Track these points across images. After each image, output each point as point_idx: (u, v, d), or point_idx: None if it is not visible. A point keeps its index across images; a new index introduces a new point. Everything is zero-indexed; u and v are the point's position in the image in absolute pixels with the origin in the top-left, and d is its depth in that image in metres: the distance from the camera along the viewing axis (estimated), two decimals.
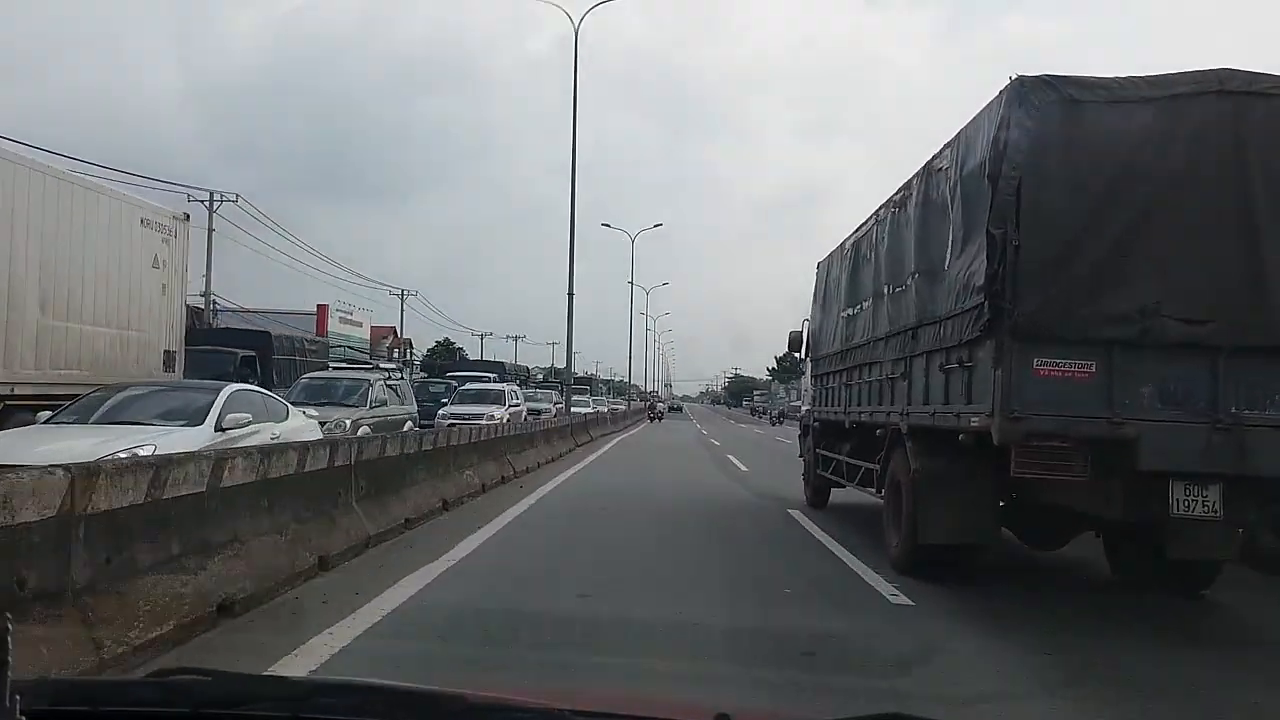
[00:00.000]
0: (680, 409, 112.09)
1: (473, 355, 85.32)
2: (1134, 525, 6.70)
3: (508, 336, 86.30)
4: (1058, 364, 5.92)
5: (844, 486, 11.38)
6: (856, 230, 10.71)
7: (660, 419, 63.94)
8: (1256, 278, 5.89)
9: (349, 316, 60.40)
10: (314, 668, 4.54)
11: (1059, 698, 4.79)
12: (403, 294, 65.51)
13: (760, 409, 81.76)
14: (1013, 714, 4.64)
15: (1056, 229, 5.97)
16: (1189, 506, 6.05)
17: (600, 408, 32.70)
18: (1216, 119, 6.01)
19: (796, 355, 15.21)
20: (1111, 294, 5.90)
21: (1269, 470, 6.12)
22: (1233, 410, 5.89)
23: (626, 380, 68.57)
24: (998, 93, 6.22)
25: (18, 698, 1.24)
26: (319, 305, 56.63)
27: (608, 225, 58.89)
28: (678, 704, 2.22)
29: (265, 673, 3.90)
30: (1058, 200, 5.99)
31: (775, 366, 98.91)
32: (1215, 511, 6.04)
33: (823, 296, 12.76)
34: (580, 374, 79.79)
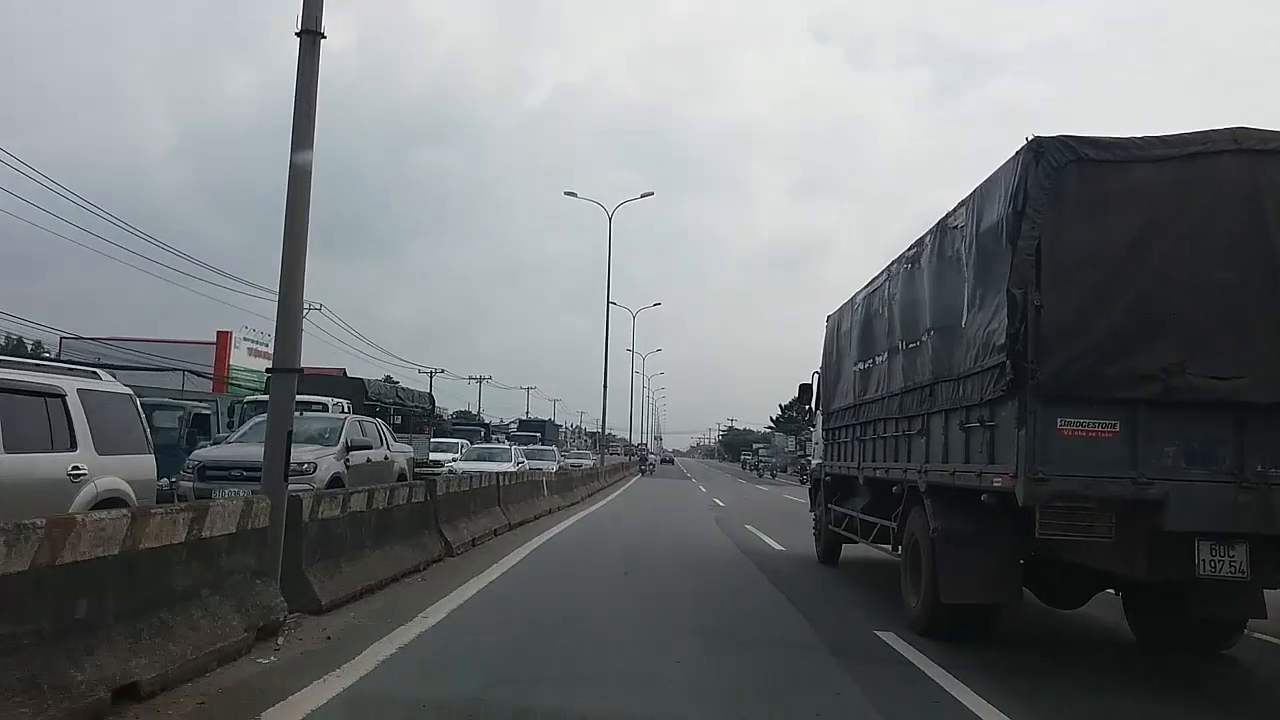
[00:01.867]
0: (672, 461, 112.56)
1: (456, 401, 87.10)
2: (1158, 585, 6.63)
3: (469, 378, 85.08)
4: (1082, 424, 5.89)
5: (856, 543, 11.28)
6: (868, 285, 10.73)
7: (651, 471, 64.67)
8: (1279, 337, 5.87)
9: (260, 348, 49.92)
10: None
11: None
12: (431, 373, 67.87)
13: (761, 464, 75.17)
14: None
15: (1077, 289, 5.97)
16: (1215, 567, 5.99)
17: (544, 463, 29.56)
18: (1233, 176, 6.03)
19: (807, 407, 15.16)
20: (1135, 353, 5.88)
21: None
22: (1259, 469, 5.84)
23: (601, 430, 69.37)
24: (1014, 153, 6.25)
25: None
26: (219, 333, 50.40)
27: (615, 304, 59.86)
28: None
29: None
30: (1078, 261, 5.99)
31: (780, 416, 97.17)
32: (1241, 571, 5.99)
33: (833, 349, 12.75)
34: (538, 418, 79.50)
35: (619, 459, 66.58)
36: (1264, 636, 7.89)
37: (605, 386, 42.97)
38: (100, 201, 52.27)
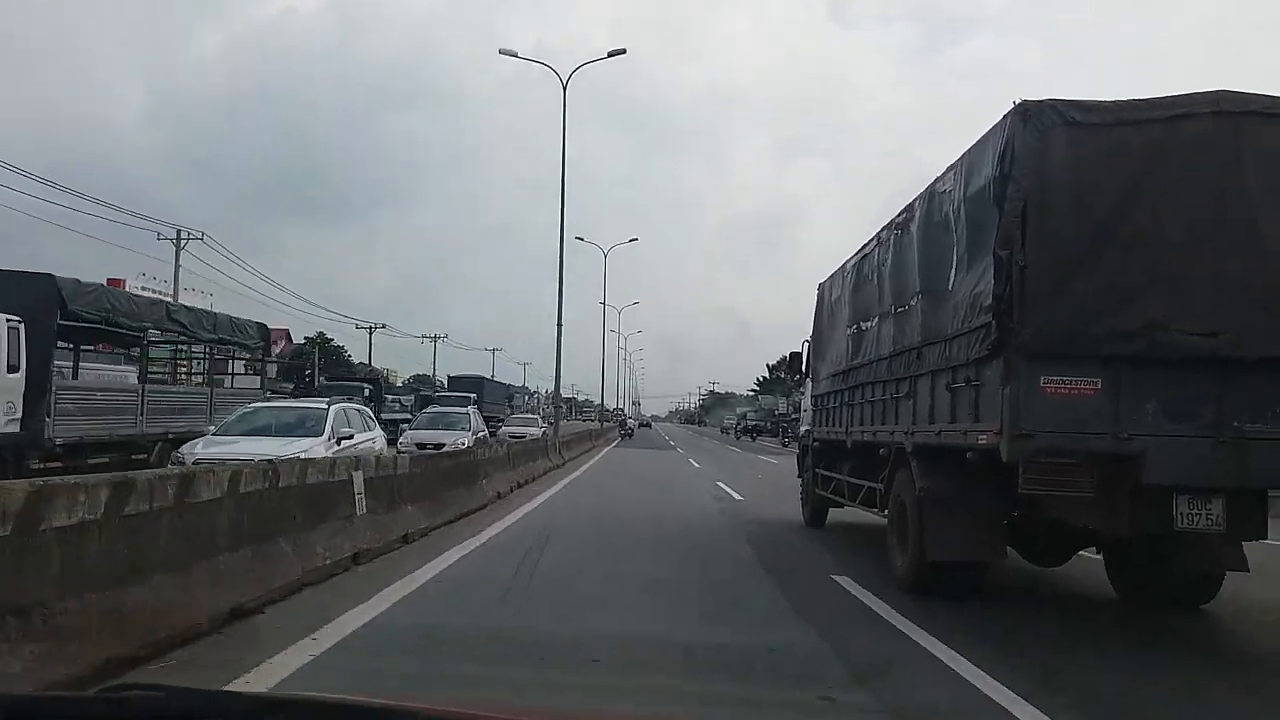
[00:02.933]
0: (649, 426, 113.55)
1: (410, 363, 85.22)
2: (1138, 539, 6.82)
3: (423, 337, 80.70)
4: (1065, 381, 6.04)
5: (843, 506, 11.46)
6: (858, 251, 10.84)
7: (630, 436, 66.38)
8: (1265, 290, 6.00)
9: (163, 299, 38.73)
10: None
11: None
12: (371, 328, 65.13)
13: (744, 427, 71.82)
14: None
15: (1062, 250, 6.10)
16: (1193, 520, 6.17)
17: (452, 434, 22.90)
18: (1214, 138, 6.15)
19: (795, 375, 15.31)
20: (1118, 311, 6.02)
21: (1270, 483, 6.27)
22: (1236, 424, 6.00)
23: (555, 390, 57.71)
24: (1002, 116, 6.36)
25: None
26: (109, 280, 37.16)
27: (581, 239, 57.98)
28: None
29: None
30: (1062, 222, 6.11)
31: (768, 378, 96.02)
32: (1219, 525, 6.17)
33: (824, 317, 12.88)
34: (475, 374, 69.00)
35: (587, 426, 62.83)
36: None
37: (560, 326, 34.60)
38: None
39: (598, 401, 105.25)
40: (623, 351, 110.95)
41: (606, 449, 42.32)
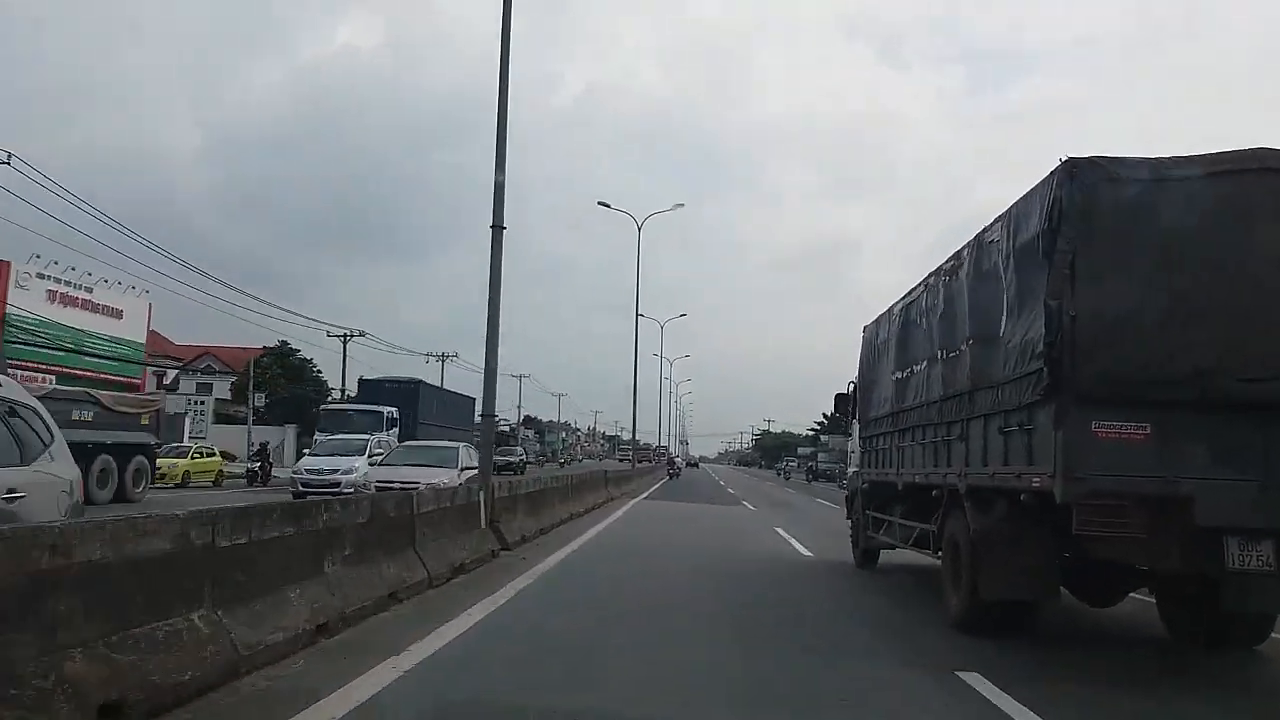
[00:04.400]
0: (697, 465, 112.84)
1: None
2: (1190, 579, 6.99)
3: (428, 356, 64.68)
4: (1115, 426, 6.27)
5: (895, 548, 11.65)
6: (905, 296, 11.12)
7: (678, 475, 66.88)
8: None
9: (71, 293, 35.21)
10: None
11: None
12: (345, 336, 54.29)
13: (814, 469, 66.45)
14: None
15: (1110, 300, 6.35)
16: (1244, 561, 6.35)
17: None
18: (1256, 193, 6.41)
19: (843, 417, 15.53)
20: (1166, 359, 6.26)
21: None
22: None
23: (557, 422, 60.41)
24: (1049, 172, 6.66)
25: None
26: None
27: (643, 315, 59.47)
28: None
29: None
30: (1110, 273, 6.38)
31: (832, 413, 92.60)
32: (1269, 565, 6.34)
33: (871, 359, 13.14)
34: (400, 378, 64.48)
35: (607, 467, 49.40)
36: None
37: (635, 393, 40.52)
38: None
39: (648, 441, 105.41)
40: (673, 395, 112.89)
41: (631, 502, 28.28)
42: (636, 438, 75.03)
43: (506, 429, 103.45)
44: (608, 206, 51.68)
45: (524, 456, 55.97)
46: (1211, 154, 6.54)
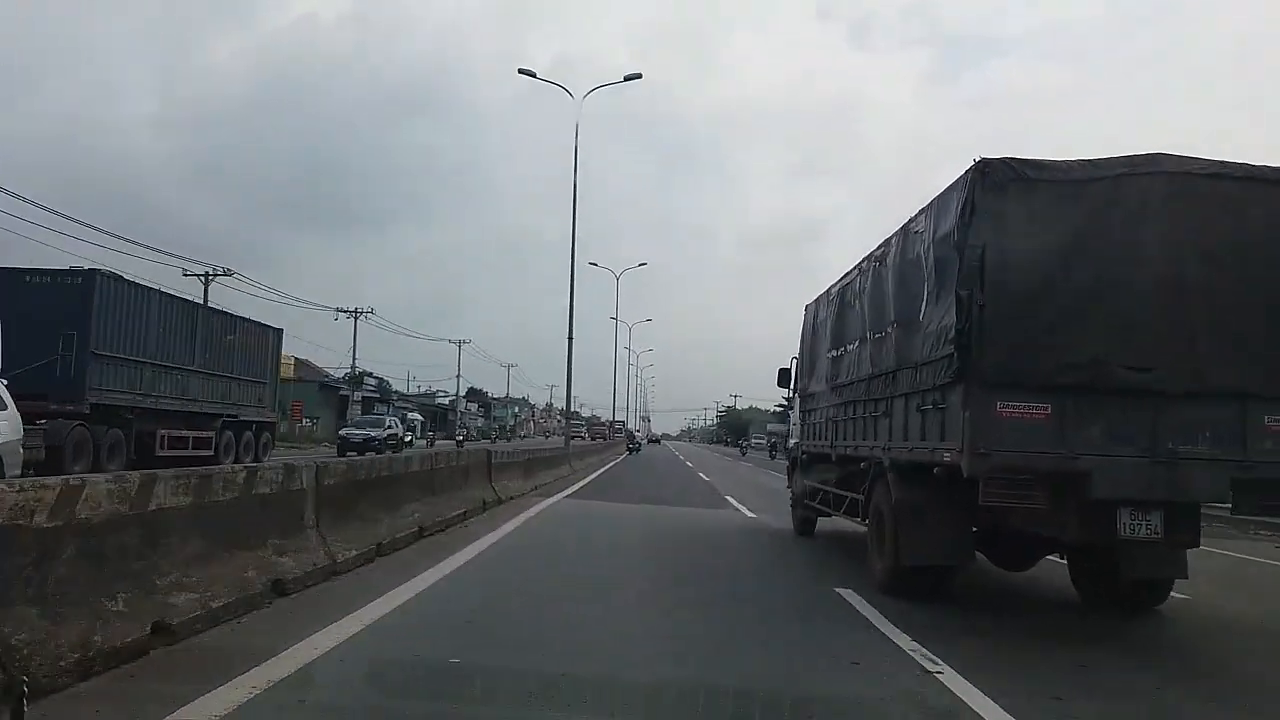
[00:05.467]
0: (659, 441, 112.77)
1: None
2: (1089, 547, 7.64)
3: (337, 311, 61.42)
4: (1018, 407, 6.83)
5: (830, 516, 12.26)
6: (842, 278, 11.64)
7: (638, 451, 66.91)
8: (1188, 334, 6.84)
9: None
10: None
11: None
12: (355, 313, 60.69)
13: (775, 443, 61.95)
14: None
15: (1016, 292, 6.88)
16: (1135, 530, 6.98)
17: None
18: (1151, 196, 6.97)
19: (785, 390, 16.11)
20: (1064, 347, 6.81)
21: (1201, 496, 7.10)
22: (1169, 446, 6.81)
23: (567, 406, 45.43)
24: (964, 171, 7.16)
25: None
26: None
27: (594, 264, 59.37)
28: None
29: None
30: (1016, 267, 6.89)
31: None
32: (1157, 533, 6.98)
33: (810, 337, 13.69)
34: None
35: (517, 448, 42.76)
36: (1183, 596, 8.85)
37: (570, 340, 35.97)
38: None
39: (603, 416, 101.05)
40: (633, 368, 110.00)
41: (538, 506, 16.91)
42: (592, 413, 74.68)
43: (445, 401, 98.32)
44: (595, 265, 59.02)
45: (397, 431, 44.55)
46: (1114, 157, 7.09)
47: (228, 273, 45.56)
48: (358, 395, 68.49)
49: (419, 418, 76.16)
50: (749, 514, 18.16)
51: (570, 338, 35.78)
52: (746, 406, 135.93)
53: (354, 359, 67.23)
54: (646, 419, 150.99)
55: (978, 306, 6.82)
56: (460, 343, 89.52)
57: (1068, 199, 6.98)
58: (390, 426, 43.16)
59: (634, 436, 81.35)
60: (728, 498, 22.44)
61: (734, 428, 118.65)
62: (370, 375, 79.02)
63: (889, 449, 8.93)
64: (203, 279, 44.62)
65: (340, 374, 71.88)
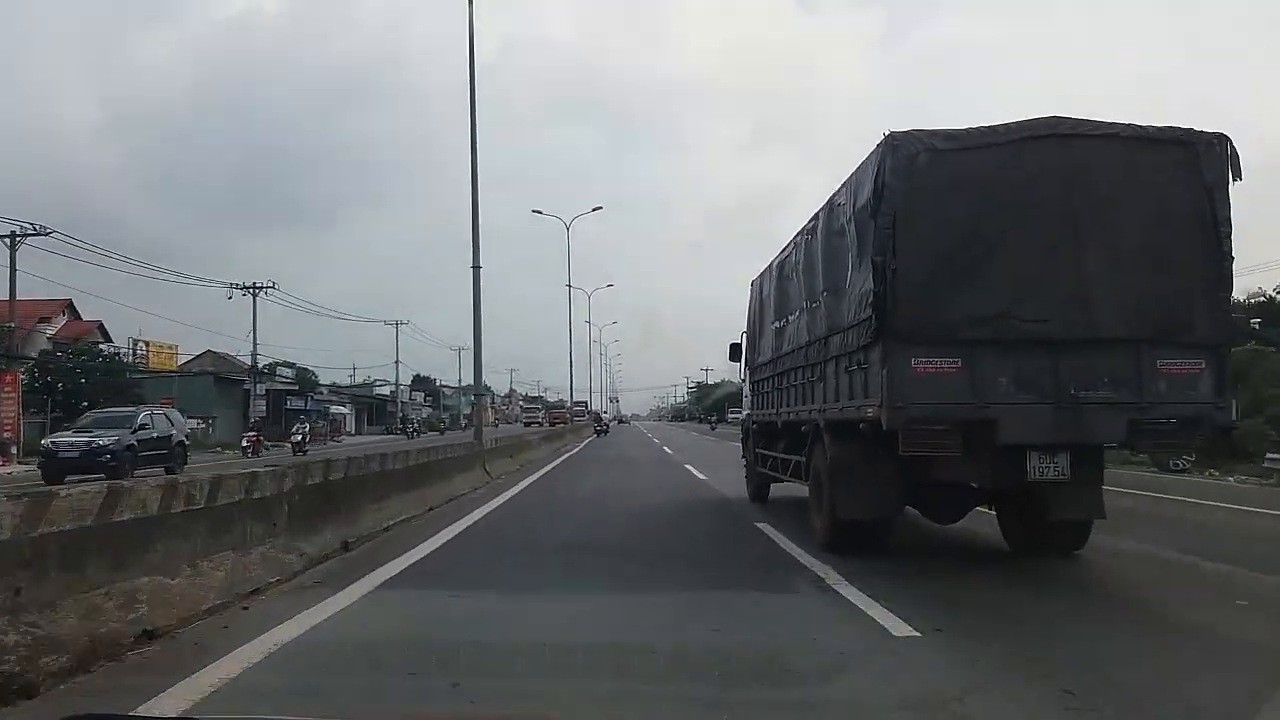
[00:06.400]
0: (628, 422, 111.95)
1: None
2: (1004, 490, 8.20)
3: (239, 287, 53.44)
4: (931, 362, 7.36)
5: (781, 481, 12.80)
6: (781, 252, 12.17)
7: (606, 432, 65.83)
8: (1083, 286, 7.38)
9: None
10: None
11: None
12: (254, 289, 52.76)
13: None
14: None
15: (925, 256, 7.41)
16: (1043, 472, 7.55)
17: None
18: (1048, 158, 7.50)
19: (736, 364, 16.65)
20: (971, 304, 7.35)
21: (1104, 438, 7.67)
22: (1071, 392, 7.36)
23: (476, 377, 27.76)
24: (876, 145, 7.66)
25: None
26: None
27: (539, 212, 56.49)
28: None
29: None
30: (925, 233, 7.42)
31: None
32: (1064, 474, 7.56)
33: (756, 311, 14.22)
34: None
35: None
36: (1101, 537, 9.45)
37: (477, 269, 23.39)
38: None
39: (574, 399, 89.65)
40: (596, 344, 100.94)
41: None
42: (559, 398, 71.44)
43: (386, 390, 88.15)
44: (540, 213, 56.09)
45: (163, 432, 27.40)
46: (1013, 123, 7.62)
47: (42, 231, 36.84)
48: (261, 388, 58.46)
49: (344, 410, 69.88)
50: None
51: (476, 267, 23.79)
52: (719, 380, 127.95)
53: (254, 344, 56.46)
54: (614, 399, 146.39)
55: (890, 271, 7.34)
56: (398, 324, 79.59)
57: (971, 166, 7.49)
58: (144, 426, 26.40)
59: (600, 418, 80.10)
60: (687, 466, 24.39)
61: (714, 404, 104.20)
62: (287, 365, 71.01)
63: (824, 410, 9.45)
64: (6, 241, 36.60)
65: (266, 365, 63.10)
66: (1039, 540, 8.91)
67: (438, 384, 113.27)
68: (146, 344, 55.96)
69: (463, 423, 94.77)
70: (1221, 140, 7.60)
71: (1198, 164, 7.56)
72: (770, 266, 12.89)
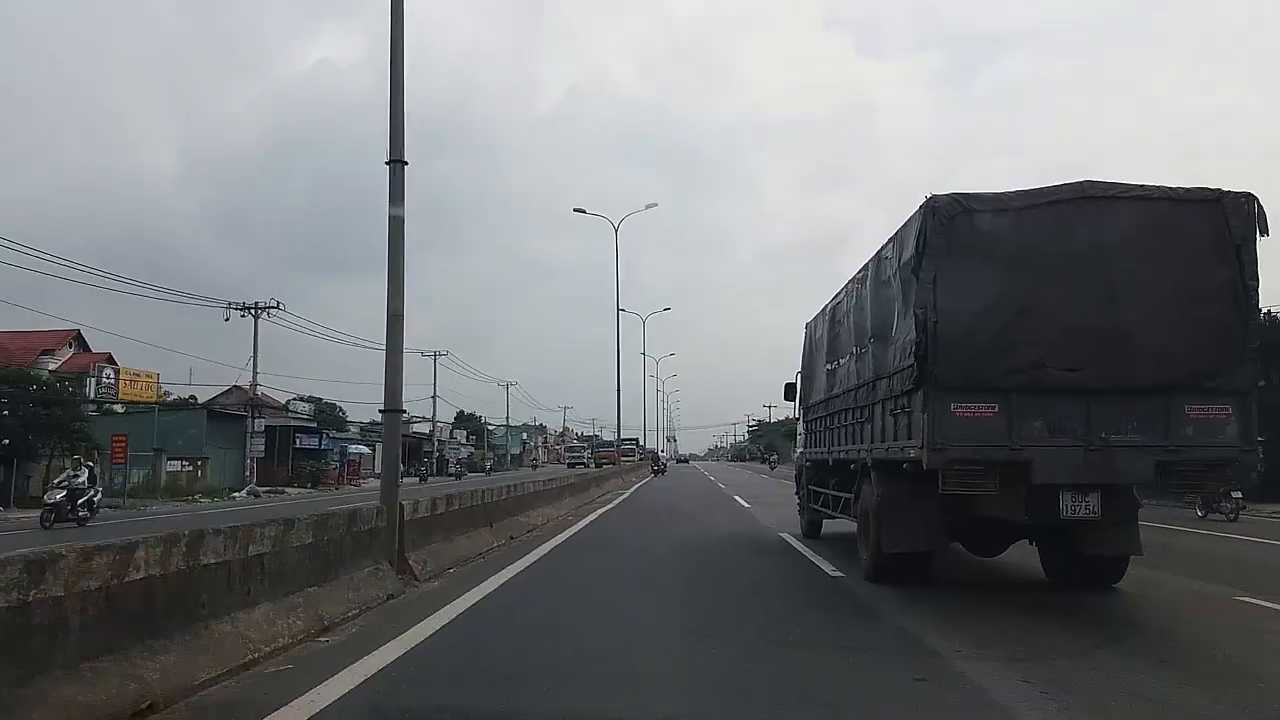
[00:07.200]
0: (687, 462, 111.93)
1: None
2: (1040, 527, 8.73)
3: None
4: (969, 407, 7.97)
5: (833, 517, 13.37)
6: (833, 298, 12.82)
7: (663, 472, 65.48)
8: (1114, 338, 7.93)
9: None
10: None
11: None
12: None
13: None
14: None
15: (964, 309, 8.01)
16: (1075, 510, 8.10)
17: None
18: (1080, 220, 8.08)
19: (791, 404, 17.25)
20: (1007, 355, 7.93)
21: (1132, 479, 8.19)
22: (1101, 435, 7.91)
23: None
24: (919, 207, 8.32)
25: None
26: None
27: (581, 210, 55.90)
28: None
29: None
30: (964, 288, 8.03)
31: None
32: (1095, 512, 8.09)
33: (809, 353, 14.87)
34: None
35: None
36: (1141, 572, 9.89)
37: (619, 392, 32.30)
38: None
39: (621, 436, 68.76)
40: (660, 392, 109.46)
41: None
42: (610, 434, 68.05)
43: (425, 427, 77.98)
44: (583, 212, 53.75)
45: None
46: (1046, 187, 8.24)
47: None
48: (260, 424, 50.38)
49: (364, 450, 64.14)
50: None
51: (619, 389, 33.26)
52: (783, 418, 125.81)
53: (255, 371, 49.15)
54: (672, 439, 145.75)
55: (932, 323, 7.97)
56: (435, 354, 73.03)
57: (1007, 226, 8.11)
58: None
59: (658, 458, 78.94)
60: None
61: (774, 444, 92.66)
62: (309, 400, 66.19)
63: (871, 450, 10.06)
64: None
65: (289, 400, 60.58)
66: (1077, 574, 9.40)
67: (483, 421, 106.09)
68: (116, 371, 48.40)
69: (509, 461, 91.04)
70: (1249, 199, 8.13)
71: (1225, 221, 8.07)
72: (824, 310, 13.54)
